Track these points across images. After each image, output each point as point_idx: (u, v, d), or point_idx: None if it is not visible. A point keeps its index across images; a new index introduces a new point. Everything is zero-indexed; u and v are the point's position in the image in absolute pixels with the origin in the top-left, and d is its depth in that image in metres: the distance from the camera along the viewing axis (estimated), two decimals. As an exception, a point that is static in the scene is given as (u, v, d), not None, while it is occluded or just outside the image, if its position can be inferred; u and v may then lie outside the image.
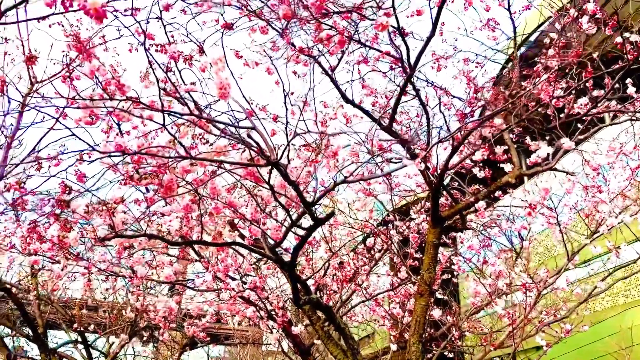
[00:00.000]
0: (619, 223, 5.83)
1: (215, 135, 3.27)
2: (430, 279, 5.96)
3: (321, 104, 5.85)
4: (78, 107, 3.07)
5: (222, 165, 3.70)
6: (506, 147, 7.12)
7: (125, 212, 3.83)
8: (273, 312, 7.21)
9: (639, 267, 6.64)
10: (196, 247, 4.46)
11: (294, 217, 3.94)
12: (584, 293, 6.36)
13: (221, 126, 3.37)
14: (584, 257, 6.39)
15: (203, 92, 3.60)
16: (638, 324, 14.64)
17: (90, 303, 11.45)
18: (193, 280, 6.96)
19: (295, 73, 6.02)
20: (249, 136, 3.24)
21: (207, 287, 6.55)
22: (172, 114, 3.14)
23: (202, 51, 3.64)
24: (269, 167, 3.28)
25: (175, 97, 3.51)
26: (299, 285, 5.12)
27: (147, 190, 3.66)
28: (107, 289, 6.76)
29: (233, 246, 6.87)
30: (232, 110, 3.59)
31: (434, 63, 6.62)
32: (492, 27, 6.62)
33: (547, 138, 6.83)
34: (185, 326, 7.83)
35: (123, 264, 6.56)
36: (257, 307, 7.02)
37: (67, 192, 3.21)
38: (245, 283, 6.72)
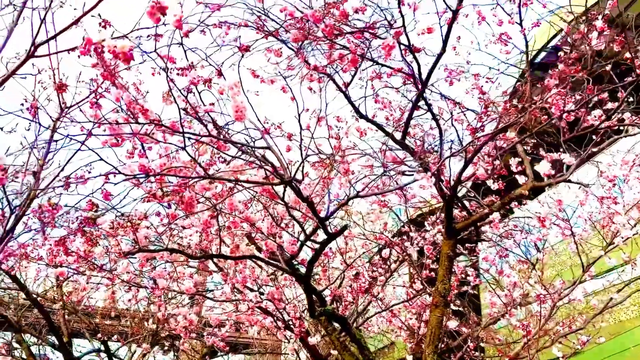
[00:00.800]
0: (634, 235, 5.84)
1: (232, 157, 3.43)
2: (445, 291, 6.03)
3: (335, 119, 6.01)
4: (104, 130, 3.28)
5: (239, 184, 3.87)
6: (520, 159, 7.19)
7: (148, 228, 4.02)
8: (290, 323, 7.34)
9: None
10: (215, 259, 4.63)
11: (309, 230, 4.08)
12: (600, 304, 6.36)
13: (238, 146, 3.54)
14: (599, 268, 6.39)
15: (221, 113, 3.79)
16: (665, 334, 14.40)
17: (113, 313, 11.73)
18: (212, 291, 7.14)
19: (310, 89, 6.20)
20: (264, 157, 3.40)
21: (225, 298, 6.72)
22: (192, 135, 3.32)
23: (220, 74, 3.83)
24: (284, 185, 3.43)
25: (195, 117, 3.70)
26: (314, 296, 5.25)
27: (169, 206, 3.84)
28: (129, 300, 6.97)
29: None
30: (248, 129, 3.75)
31: (447, 77, 6.74)
32: (504, 41, 6.72)
33: (561, 150, 6.89)
34: (205, 336, 7.99)
35: (145, 275, 6.78)
36: (275, 318, 7.16)
37: (94, 209, 3.41)
38: (262, 294, 6.87)
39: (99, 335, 9.92)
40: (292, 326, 7.30)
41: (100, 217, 3.48)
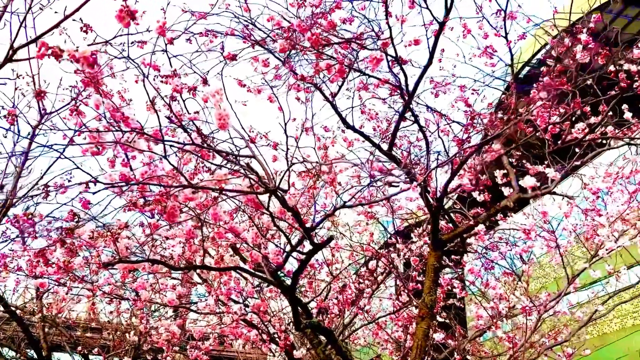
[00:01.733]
0: (618, 247, 5.87)
1: (216, 165, 3.38)
2: (432, 302, 5.99)
3: (322, 128, 5.99)
4: (85, 138, 3.20)
5: (223, 193, 3.81)
6: (505, 171, 7.22)
7: (129, 238, 3.93)
8: (275, 336, 7.24)
9: (639, 291, 6.65)
10: (199, 270, 4.54)
11: (294, 241, 4.03)
12: (584, 317, 6.37)
13: (222, 155, 3.49)
14: (584, 281, 6.41)
15: (206, 121, 3.73)
16: (646, 346, 14.52)
17: (94, 325, 11.49)
18: (196, 303, 7.02)
19: (298, 99, 6.18)
20: (248, 165, 3.35)
21: (210, 311, 6.61)
22: (174, 143, 3.26)
23: (205, 82, 3.78)
24: (268, 194, 3.38)
25: (179, 125, 3.64)
26: (299, 309, 5.18)
27: (152, 216, 3.76)
28: (111, 312, 6.81)
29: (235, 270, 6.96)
30: (232, 139, 3.71)
31: (433, 89, 6.76)
32: (489, 54, 6.77)
33: (546, 162, 6.93)
34: (189, 349, 7.85)
35: (127, 287, 6.65)
36: (260, 330, 7.05)
37: (74, 219, 3.32)
38: (247, 306, 6.77)
39: (79, 348, 9.70)
40: (277, 339, 7.21)
41: (80, 227, 3.39)
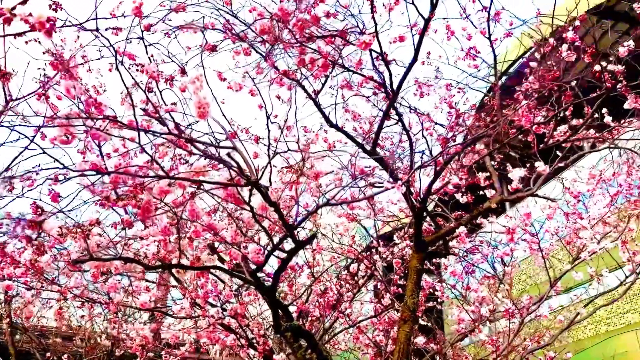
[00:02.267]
0: (600, 249, 5.85)
1: (196, 154, 3.21)
2: (414, 305, 5.88)
3: (302, 129, 5.86)
4: (54, 126, 3.01)
5: (201, 187, 3.64)
6: (488, 174, 7.18)
7: (100, 235, 3.72)
8: (254, 341, 7.03)
9: (619, 295, 6.65)
10: (175, 271, 4.34)
11: (276, 240, 3.87)
12: (566, 320, 6.32)
13: (201, 146, 3.33)
14: (566, 284, 6.38)
15: (184, 113, 3.57)
16: (621, 352, 14.65)
17: (65, 330, 11.08)
18: (170, 307, 6.79)
19: (278, 98, 6.03)
20: (229, 155, 3.19)
21: (185, 314, 6.39)
22: (151, 132, 3.08)
23: (183, 72, 3.62)
24: (249, 187, 3.22)
25: (155, 118, 3.47)
26: (280, 311, 5.01)
27: (125, 212, 3.57)
28: (82, 316, 6.52)
29: (213, 271, 6.75)
30: (213, 132, 3.55)
31: (417, 90, 6.69)
32: (473, 55, 6.73)
33: (528, 165, 6.91)
34: (163, 355, 7.59)
35: (99, 289, 6.39)
36: (238, 335, 6.84)
37: (39, 212, 3.11)
38: (225, 310, 6.57)
39: (48, 354, 9.32)
40: (255, 344, 7.01)
41: (45, 221, 3.18)
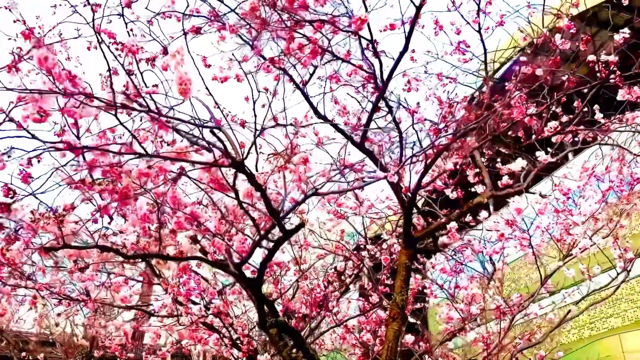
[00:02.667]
0: (591, 245, 5.77)
1: (179, 132, 3.03)
2: (403, 302, 5.74)
3: (292, 120, 5.69)
4: (25, 103, 2.81)
5: (183, 172, 3.46)
6: (477, 170, 7.08)
7: (76, 223, 3.52)
8: (238, 341, 6.83)
9: (607, 295, 6.57)
10: (155, 263, 4.13)
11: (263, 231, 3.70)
12: (557, 318, 6.23)
13: (184, 128, 3.16)
14: (556, 281, 6.28)
15: (166, 95, 3.39)
16: (604, 356, 14.66)
17: (43, 335, 10.73)
18: (150, 304, 6.56)
19: (266, 90, 5.86)
20: (213, 133, 3.01)
21: (167, 313, 6.17)
22: (130, 109, 2.90)
23: (166, 52, 3.44)
24: (234, 168, 3.05)
25: (136, 101, 3.28)
26: (265, 307, 4.83)
27: (102, 198, 3.37)
28: (59, 314, 6.26)
29: (196, 269, 6.54)
30: (197, 116, 3.37)
31: (405, 85, 6.56)
32: (462, 50, 6.64)
33: (520, 158, 6.82)
34: (144, 356, 7.35)
35: (76, 285, 6.15)
36: (221, 335, 6.63)
37: (8, 194, 2.91)
38: (208, 308, 6.36)
39: (24, 354, 9.00)
40: (239, 344, 6.80)
41: (16, 204, 2.97)
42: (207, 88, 2.98)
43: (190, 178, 3.50)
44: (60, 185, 3.17)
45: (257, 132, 3.16)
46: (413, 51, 7.00)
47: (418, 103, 5.29)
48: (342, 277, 7.77)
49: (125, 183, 3.29)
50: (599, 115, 6.44)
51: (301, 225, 3.49)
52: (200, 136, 3.05)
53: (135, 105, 3.14)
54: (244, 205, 3.38)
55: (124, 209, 3.55)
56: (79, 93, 2.75)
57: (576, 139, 6.33)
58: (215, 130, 3.07)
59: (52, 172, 2.94)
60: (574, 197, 6.57)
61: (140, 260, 3.68)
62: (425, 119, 6.17)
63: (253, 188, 3.38)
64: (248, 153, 3.11)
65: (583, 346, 15.09)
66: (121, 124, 2.82)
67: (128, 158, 2.93)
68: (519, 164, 4.72)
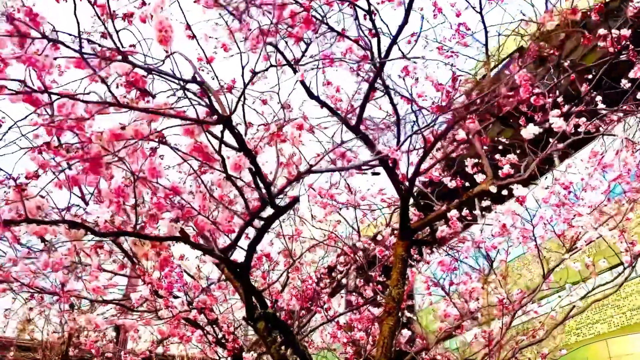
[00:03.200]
0: (597, 237, 5.48)
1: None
2: (399, 296, 5.39)
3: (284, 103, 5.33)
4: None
5: (163, 139, 3.09)
6: (475, 161, 6.78)
7: (43, 197, 3.13)
8: (223, 339, 6.44)
9: (612, 291, 6.29)
10: (132, 246, 3.72)
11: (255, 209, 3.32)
12: (560, 314, 5.93)
13: (164, 87, 2.79)
14: (559, 278, 5.98)
15: (145, 55, 3.01)
16: (590, 363, 14.52)
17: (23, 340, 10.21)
18: (128, 298, 6.14)
19: (253, 72, 5.50)
20: (196, 81, 2.63)
21: (147, 306, 5.77)
22: (105, 60, 2.52)
23: (144, 3, 3.08)
24: (221, 124, 2.68)
25: (113, 59, 2.90)
26: (253, 298, 4.45)
27: (69, 168, 2.98)
28: (31, 309, 5.80)
29: (178, 255, 6.14)
30: (180, 77, 3.00)
31: (402, 72, 6.25)
32: (462, 33, 6.36)
33: (518, 152, 6.53)
34: (123, 355, 6.91)
35: (50, 279, 5.72)
36: (205, 331, 6.24)
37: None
38: (191, 304, 5.97)
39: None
40: (223, 342, 6.41)
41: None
42: (191, 31, 2.62)
43: (171, 147, 3.13)
44: (21, 148, 2.79)
45: (247, 81, 2.79)
46: (412, 35, 6.73)
47: (417, 79, 4.95)
48: (333, 274, 7.41)
49: (96, 149, 2.91)
50: (601, 106, 6.19)
51: (295, 201, 3.13)
52: (183, 94, 2.68)
53: (111, 66, 2.76)
54: (232, 178, 3.01)
55: (95, 179, 3.16)
56: (43, 37, 2.38)
57: (579, 129, 6.07)
58: (199, 87, 2.70)
59: (9, 129, 2.56)
60: (576, 191, 6.31)
61: (114, 239, 3.29)
62: (421, 108, 5.86)
63: (241, 159, 3.02)
64: (235, 107, 2.75)
65: (569, 352, 14.88)
66: (95, 72, 2.44)
67: (98, 112, 2.55)
68: (530, 130, 4.39)
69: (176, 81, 2.58)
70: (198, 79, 2.59)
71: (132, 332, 6.18)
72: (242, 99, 2.75)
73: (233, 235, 3.56)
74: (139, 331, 6.06)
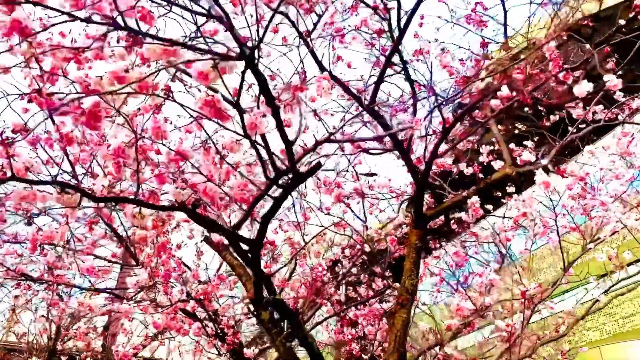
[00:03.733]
0: (622, 228, 5.19)
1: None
2: (413, 287, 5.05)
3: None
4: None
5: (169, 94, 2.74)
6: (491, 148, 6.47)
7: (32, 157, 2.76)
8: (221, 332, 6.05)
9: (632, 287, 5.99)
10: (132, 218, 3.33)
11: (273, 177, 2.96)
12: (578, 311, 5.62)
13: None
14: (580, 271, 5.66)
15: None
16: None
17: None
18: (123, 288, 5.75)
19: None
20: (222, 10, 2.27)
21: (142, 295, 5.39)
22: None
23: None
24: (244, 60, 2.33)
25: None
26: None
27: (51, 117, 2.61)
28: (16, 297, 5.37)
29: (175, 244, 5.76)
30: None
31: (415, 55, 5.94)
32: (479, 14, 6.06)
33: (536, 139, 6.24)
34: (114, 350, 6.50)
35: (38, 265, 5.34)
36: (203, 324, 5.85)
37: None
38: (190, 294, 5.60)
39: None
40: (222, 336, 6.03)
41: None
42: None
43: (178, 102, 2.78)
44: (7, 94, 2.43)
45: (271, 15, 2.44)
46: (422, 17, 6.43)
47: (443, 49, 4.62)
48: (336, 268, 7.06)
49: (95, 101, 2.55)
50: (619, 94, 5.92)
51: (317, 166, 2.78)
52: (197, 30, 2.33)
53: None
54: (246, 140, 2.65)
55: (92, 136, 2.80)
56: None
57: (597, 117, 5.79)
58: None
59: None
60: (594, 182, 6.02)
61: (113, 205, 2.92)
62: (436, 94, 5.54)
63: (257, 118, 2.66)
64: (259, 42, 2.39)
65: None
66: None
67: (99, 40, 2.19)
68: (583, 88, 4.05)
69: (191, 14, 2.22)
70: (215, 13, 2.24)
71: (125, 323, 5.78)
72: (265, 31, 2.39)
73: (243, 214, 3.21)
74: (133, 319, 5.66)
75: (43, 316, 5.50)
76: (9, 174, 2.57)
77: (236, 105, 2.39)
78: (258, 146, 2.73)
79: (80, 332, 5.45)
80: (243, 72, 2.34)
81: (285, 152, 2.62)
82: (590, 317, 14.70)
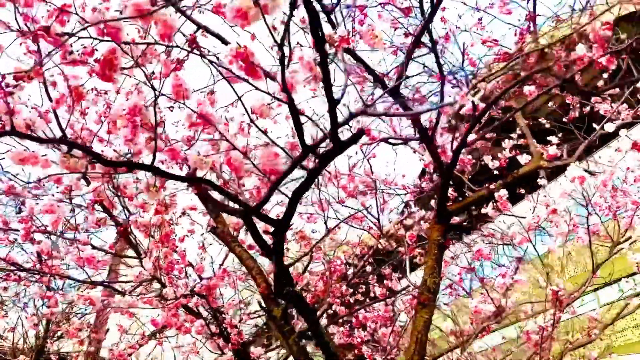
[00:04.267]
0: (657, 227, 4.88)
1: None
2: (435, 285, 4.70)
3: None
4: None
5: (195, 43, 2.39)
6: (514, 143, 6.16)
7: (36, 110, 2.40)
8: (225, 330, 5.66)
9: None
10: (145, 190, 2.93)
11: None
12: (606, 315, 5.30)
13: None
14: (608, 272, 5.35)
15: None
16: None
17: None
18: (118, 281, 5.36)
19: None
20: None
21: (143, 288, 5.01)
22: None
23: None
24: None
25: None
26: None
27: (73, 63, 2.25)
28: (5, 288, 4.94)
29: (179, 237, 5.38)
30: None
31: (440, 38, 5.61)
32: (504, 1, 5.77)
33: (560, 135, 5.95)
34: (109, 349, 6.09)
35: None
36: (207, 321, 5.46)
37: None
38: (193, 290, 5.21)
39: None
40: (226, 334, 5.64)
41: None
42: None
43: (203, 56, 2.43)
44: (10, 29, 2.07)
45: None
46: (443, 9, 6.13)
47: (480, 19, 4.29)
48: (347, 265, 6.71)
49: (110, 48, 2.19)
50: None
51: (361, 132, 2.43)
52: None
53: None
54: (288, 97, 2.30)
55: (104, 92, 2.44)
56: None
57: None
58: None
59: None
60: (616, 182, 5.73)
61: (125, 168, 2.55)
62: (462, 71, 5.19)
63: (293, 77, 2.32)
64: None
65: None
66: None
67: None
68: None
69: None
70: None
71: (120, 319, 5.38)
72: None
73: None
74: (133, 313, 5.25)
75: (34, 314, 5.05)
76: (7, 128, 2.21)
77: (280, 45, 2.04)
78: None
79: (73, 329, 5.02)
80: (292, 5, 1.99)
81: (328, 112, 2.27)
82: (587, 329, 14.44)
